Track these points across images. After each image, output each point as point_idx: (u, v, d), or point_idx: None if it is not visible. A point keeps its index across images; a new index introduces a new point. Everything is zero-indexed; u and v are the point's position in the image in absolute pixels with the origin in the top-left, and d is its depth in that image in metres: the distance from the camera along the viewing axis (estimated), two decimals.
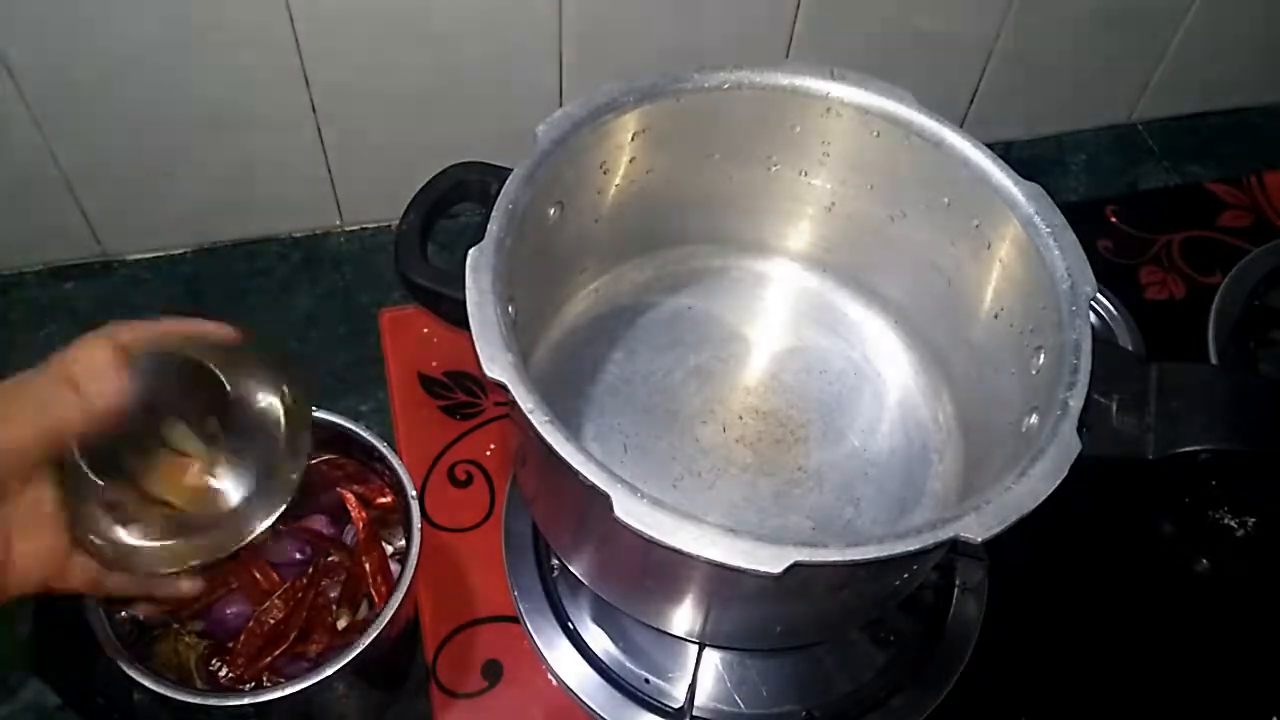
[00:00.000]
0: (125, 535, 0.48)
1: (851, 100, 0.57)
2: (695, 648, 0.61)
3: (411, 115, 0.75)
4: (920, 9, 0.79)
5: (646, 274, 0.66)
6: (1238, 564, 0.70)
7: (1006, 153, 0.91)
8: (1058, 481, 0.44)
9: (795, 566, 0.41)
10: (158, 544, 0.48)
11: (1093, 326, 0.50)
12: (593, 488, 0.42)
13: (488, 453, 0.70)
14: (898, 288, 0.64)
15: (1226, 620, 0.68)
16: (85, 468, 0.47)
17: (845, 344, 0.65)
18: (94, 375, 0.43)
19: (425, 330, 0.75)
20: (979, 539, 0.43)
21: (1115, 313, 0.78)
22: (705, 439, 0.60)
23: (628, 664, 0.62)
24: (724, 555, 0.41)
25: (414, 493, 0.56)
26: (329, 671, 0.50)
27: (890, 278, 0.64)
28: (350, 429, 0.58)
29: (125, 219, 0.76)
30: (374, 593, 0.57)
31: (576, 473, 0.42)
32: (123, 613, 0.54)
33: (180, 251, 0.79)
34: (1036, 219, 0.53)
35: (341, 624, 0.58)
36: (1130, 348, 0.75)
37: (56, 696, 0.59)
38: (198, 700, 0.50)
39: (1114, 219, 0.87)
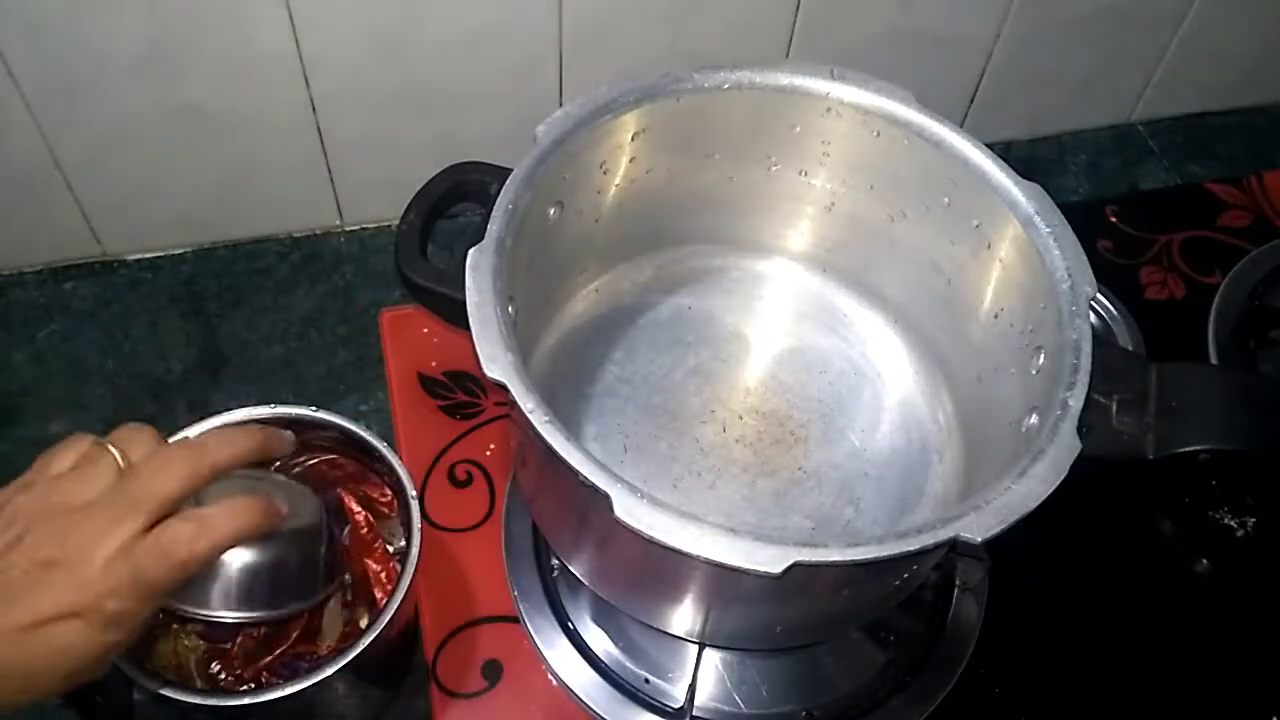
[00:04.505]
0: None
1: (851, 100, 0.57)
2: (695, 648, 0.61)
3: (411, 115, 0.75)
4: (920, 9, 0.79)
5: (646, 274, 0.66)
6: (1238, 564, 0.70)
7: (1006, 153, 0.91)
8: (1058, 481, 0.44)
9: (795, 566, 0.41)
10: None
11: (1093, 326, 0.50)
12: (593, 488, 0.42)
13: (488, 453, 0.70)
14: (898, 288, 0.64)
15: (1226, 620, 0.68)
16: None
17: (845, 344, 0.65)
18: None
19: (425, 330, 0.75)
20: (979, 539, 0.43)
21: (1115, 313, 0.78)
22: (705, 439, 0.60)
23: (628, 664, 0.62)
24: (724, 555, 0.41)
25: (414, 493, 0.56)
26: (329, 671, 0.50)
27: (890, 278, 0.64)
28: (350, 429, 0.58)
29: (125, 219, 0.76)
30: (374, 593, 0.57)
31: (576, 473, 0.42)
32: None
33: (180, 251, 0.79)
34: (1036, 219, 0.53)
35: (363, 623, 0.58)
36: (1130, 348, 0.75)
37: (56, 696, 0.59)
38: (198, 700, 0.50)
39: (1114, 219, 0.86)
